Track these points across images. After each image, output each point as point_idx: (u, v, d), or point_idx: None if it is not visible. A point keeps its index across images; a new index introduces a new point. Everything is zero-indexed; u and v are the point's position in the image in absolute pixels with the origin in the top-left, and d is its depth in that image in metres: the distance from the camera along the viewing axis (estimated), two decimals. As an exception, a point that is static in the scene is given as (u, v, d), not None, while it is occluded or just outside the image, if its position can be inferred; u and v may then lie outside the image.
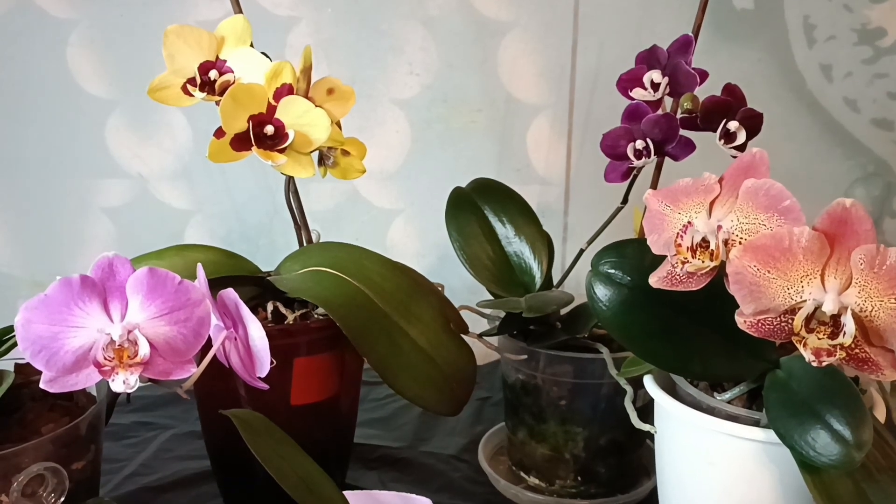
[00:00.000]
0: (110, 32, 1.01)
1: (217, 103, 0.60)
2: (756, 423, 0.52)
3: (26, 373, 0.58)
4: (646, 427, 0.59)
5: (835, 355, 0.44)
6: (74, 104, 1.03)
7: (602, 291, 0.54)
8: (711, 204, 0.49)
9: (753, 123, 0.64)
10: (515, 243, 0.78)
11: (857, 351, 0.44)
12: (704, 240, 0.48)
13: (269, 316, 0.68)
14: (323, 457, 0.57)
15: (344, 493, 0.54)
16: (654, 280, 0.50)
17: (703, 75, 0.65)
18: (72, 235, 1.08)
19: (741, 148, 0.64)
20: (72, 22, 1.00)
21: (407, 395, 0.63)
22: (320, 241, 0.75)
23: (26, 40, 1.00)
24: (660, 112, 0.66)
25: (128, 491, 0.75)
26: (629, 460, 0.77)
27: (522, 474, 0.78)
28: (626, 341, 0.54)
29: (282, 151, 0.61)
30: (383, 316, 0.65)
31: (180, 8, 1.00)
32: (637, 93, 0.67)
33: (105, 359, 0.45)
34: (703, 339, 0.53)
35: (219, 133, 0.61)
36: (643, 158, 0.66)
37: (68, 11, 1.00)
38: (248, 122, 0.60)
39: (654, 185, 0.73)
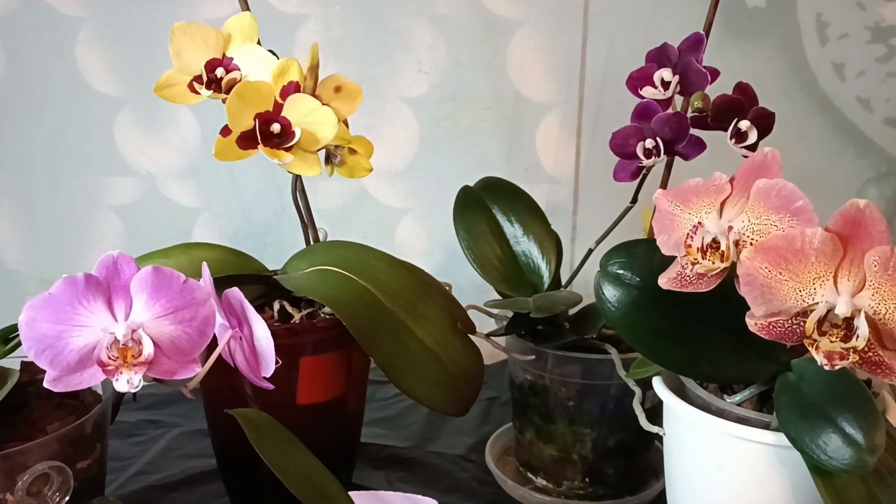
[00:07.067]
0: (119, 30, 1.01)
1: (224, 101, 0.60)
2: (766, 426, 0.51)
3: (32, 371, 0.58)
4: (654, 429, 0.58)
5: (847, 359, 0.43)
6: (83, 102, 1.03)
7: (611, 292, 0.53)
8: (722, 204, 0.49)
9: (765, 122, 0.64)
10: (524, 243, 0.78)
11: (870, 354, 0.44)
12: (715, 241, 0.47)
13: (276, 315, 0.68)
14: (329, 456, 0.57)
15: (349, 493, 0.54)
16: (664, 281, 0.50)
17: (715, 74, 0.64)
18: (80, 233, 1.08)
19: (753, 147, 0.63)
20: (81, 19, 1.00)
21: (414, 395, 0.63)
22: (328, 239, 0.75)
23: (35, 38, 1.01)
24: (670, 111, 0.65)
25: (134, 489, 0.75)
26: (637, 462, 0.76)
27: (530, 475, 0.78)
28: (634, 342, 0.54)
29: (288, 150, 0.61)
30: (390, 315, 0.64)
31: (188, 5, 1.00)
32: (647, 91, 0.66)
33: (109, 358, 0.45)
34: (713, 340, 0.52)
35: (225, 131, 0.61)
36: (653, 157, 0.65)
37: (77, 9, 1.00)
38: (255, 120, 0.60)
39: (663, 185, 0.72)
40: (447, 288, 0.71)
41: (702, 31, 0.66)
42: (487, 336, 0.71)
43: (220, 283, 0.51)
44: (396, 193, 1.08)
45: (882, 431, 0.45)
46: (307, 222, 0.74)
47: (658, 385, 0.58)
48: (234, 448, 0.70)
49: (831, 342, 0.43)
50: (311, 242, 0.74)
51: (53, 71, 1.02)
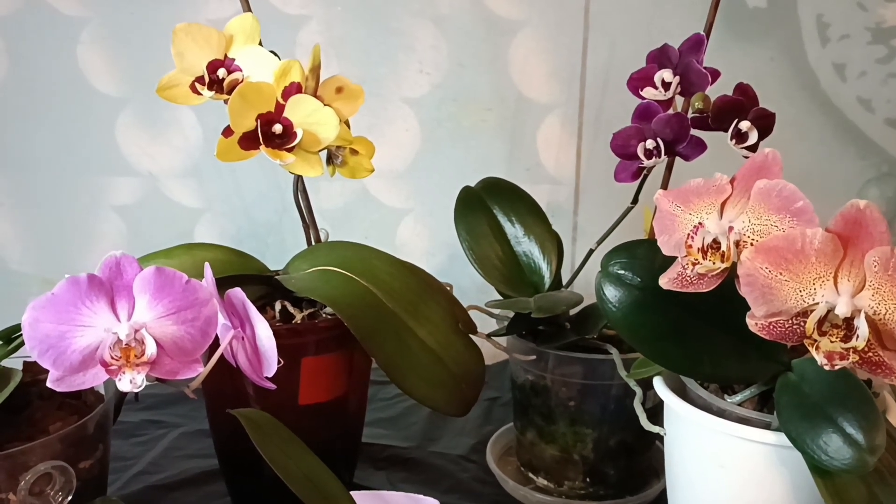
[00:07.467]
0: (121, 30, 1.01)
1: (225, 102, 0.60)
2: (767, 426, 0.51)
3: (34, 371, 0.58)
4: (655, 429, 0.58)
5: (847, 359, 0.43)
6: (85, 102, 1.03)
7: (612, 292, 0.53)
8: (723, 205, 0.49)
9: (766, 123, 0.64)
10: (525, 243, 0.78)
11: (870, 354, 0.44)
12: (715, 241, 0.47)
13: (278, 315, 0.68)
14: (331, 456, 0.57)
15: (351, 493, 0.54)
16: (665, 281, 0.50)
17: (715, 74, 0.64)
18: (82, 233, 1.08)
19: (753, 148, 0.63)
20: (83, 20, 1.01)
21: (415, 396, 0.63)
22: (329, 239, 0.75)
23: (37, 38, 1.01)
24: (671, 111, 0.65)
25: (136, 489, 0.75)
26: (638, 462, 0.76)
27: (531, 475, 0.78)
28: (635, 342, 0.54)
29: (290, 150, 0.61)
30: (392, 315, 0.64)
31: (191, 5, 1.00)
32: (648, 92, 0.66)
33: (112, 358, 0.45)
34: (714, 340, 0.52)
35: (227, 132, 0.61)
36: (654, 158, 0.65)
37: (79, 9, 1.00)
38: (257, 120, 0.60)
39: (664, 186, 0.72)
40: (448, 288, 0.71)
41: (702, 32, 0.66)
42: (489, 336, 0.71)
43: (223, 284, 0.51)
44: (398, 194, 1.08)
45: (882, 432, 0.46)
46: (309, 223, 0.74)
47: (659, 385, 0.58)
48: (235, 448, 0.70)
49: (831, 342, 0.44)
50: (313, 243, 0.74)
51: (55, 71, 1.02)
